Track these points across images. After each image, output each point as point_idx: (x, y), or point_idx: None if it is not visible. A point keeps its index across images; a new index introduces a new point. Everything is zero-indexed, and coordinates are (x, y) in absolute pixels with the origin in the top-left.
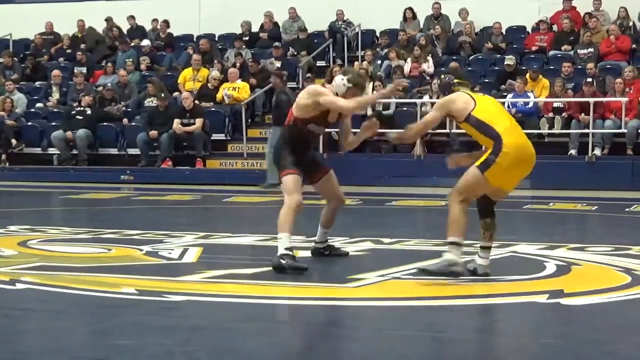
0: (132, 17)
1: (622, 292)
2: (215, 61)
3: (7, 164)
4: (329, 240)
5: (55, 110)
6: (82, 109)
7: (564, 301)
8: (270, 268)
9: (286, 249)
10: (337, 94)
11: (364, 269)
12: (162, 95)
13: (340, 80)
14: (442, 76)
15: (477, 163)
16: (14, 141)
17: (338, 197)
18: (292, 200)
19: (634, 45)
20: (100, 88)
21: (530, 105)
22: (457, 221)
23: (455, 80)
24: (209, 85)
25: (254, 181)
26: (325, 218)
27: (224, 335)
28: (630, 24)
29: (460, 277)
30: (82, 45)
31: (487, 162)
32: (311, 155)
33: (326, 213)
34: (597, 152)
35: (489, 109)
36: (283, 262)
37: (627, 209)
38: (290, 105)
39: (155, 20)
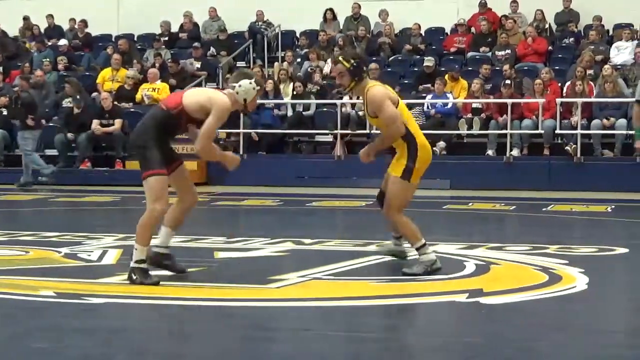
0: (51, 15)
1: (540, 290)
2: (135, 61)
3: None
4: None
5: None
6: None
7: (483, 300)
8: (191, 269)
9: (139, 261)
10: (245, 100)
11: (285, 270)
12: (78, 97)
13: (249, 85)
14: (352, 61)
15: (399, 174)
16: None
17: (193, 193)
18: (157, 208)
19: (550, 47)
20: (16, 88)
21: (449, 106)
22: (411, 230)
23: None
24: (125, 85)
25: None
26: (173, 217)
27: (144, 337)
28: (547, 26)
29: (378, 277)
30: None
31: (409, 170)
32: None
33: (175, 211)
34: (515, 152)
35: (403, 107)
36: (134, 277)
37: (544, 209)
38: (36, 107)
39: (72, 19)
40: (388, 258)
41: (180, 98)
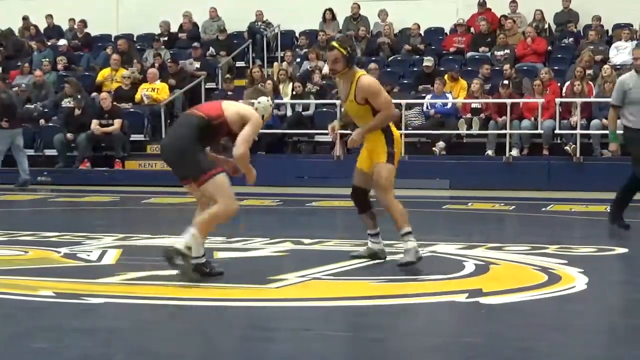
0: (50, 16)
1: (539, 290)
2: (135, 61)
3: None
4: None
5: None
6: None
7: (483, 300)
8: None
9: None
10: (263, 117)
11: (285, 270)
12: (79, 97)
13: (267, 102)
14: (348, 48)
15: (384, 160)
16: None
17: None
18: (234, 206)
19: (549, 47)
20: (15, 89)
21: (449, 106)
22: (401, 212)
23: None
24: (123, 86)
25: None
26: None
27: (143, 337)
28: (546, 26)
29: (378, 277)
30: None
31: (391, 154)
32: None
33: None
34: (514, 152)
35: None
36: (206, 269)
37: (543, 209)
38: (14, 109)
39: (72, 19)
40: (387, 258)
41: (220, 109)
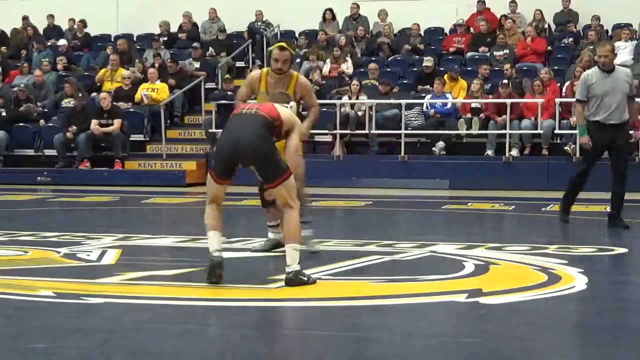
0: (51, 16)
1: (539, 290)
2: (137, 61)
3: None
4: None
5: None
6: None
7: (483, 300)
8: (190, 269)
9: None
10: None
11: (284, 270)
12: (80, 95)
13: (294, 105)
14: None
15: (301, 154)
16: None
17: None
18: (297, 205)
19: (549, 47)
20: (15, 89)
21: (449, 106)
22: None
23: None
24: (123, 86)
25: (173, 182)
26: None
27: (142, 337)
28: (546, 26)
29: (378, 277)
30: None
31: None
32: None
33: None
34: (514, 152)
35: None
36: (305, 278)
37: (543, 209)
38: None
39: (71, 19)
40: (386, 258)
41: (277, 112)
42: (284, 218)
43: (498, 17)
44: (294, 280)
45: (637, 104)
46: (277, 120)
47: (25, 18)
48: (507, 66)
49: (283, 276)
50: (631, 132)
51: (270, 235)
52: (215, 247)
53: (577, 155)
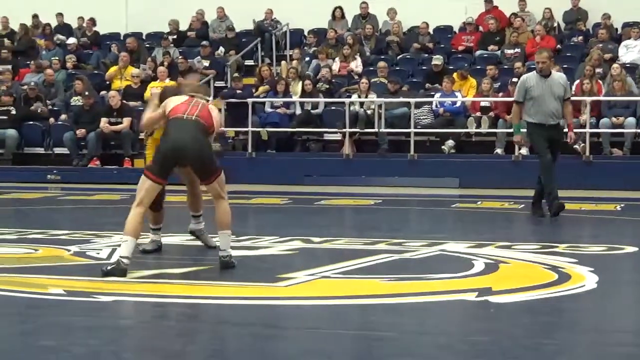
0: (61, 14)
1: (549, 289)
2: (149, 59)
3: None
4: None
5: None
6: (5, 108)
7: (492, 299)
8: (199, 268)
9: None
10: None
11: (294, 268)
12: (87, 93)
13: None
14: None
15: None
16: None
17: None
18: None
19: (558, 46)
20: (24, 87)
21: (458, 104)
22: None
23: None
24: (132, 84)
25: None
26: None
27: (152, 335)
28: (555, 24)
29: (388, 276)
30: (9, 43)
31: None
32: None
33: None
34: (524, 151)
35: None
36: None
37: None
38: None
39: (81, 18)
40: (396, 257)
41: (211, 118)
42: (217, 208)
43: (507, 15)
44: (229, 262)
45: (571, 106)
46: (211, 127)
47: (35, 16)
48: (518, 64)
49: (294, 274)
50: (565, 130)
51: (154, 236)
52: (127, 254)
53: (587, 153)
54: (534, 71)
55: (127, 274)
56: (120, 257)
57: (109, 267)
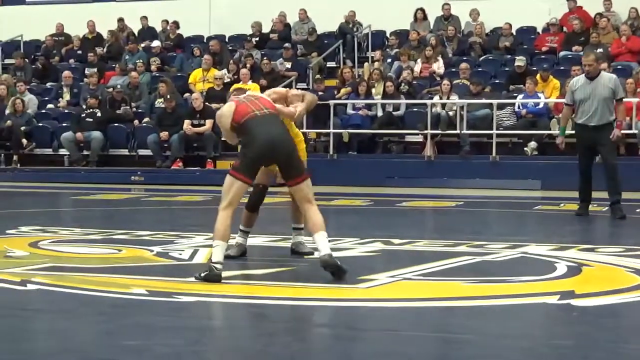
0: (145, 17)
1: (633, 293)
2: (231, 62)
3: (18, 165)
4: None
5: (66, 111)
6: (91, 110)
7: (575, 302)
8: (280, 269)
9: None
10: None
11: (375, 270)
12: (168, 97)
13: None
14: None
15: None
16: (24, 141)
17: None
18: None
19: None
20: (110, 89)
21: (541, 105)
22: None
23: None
24: (215, 86)
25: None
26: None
27: (233, 336)
28: None
29: (469, 278)
30: (100, 50)
31: None
32: None
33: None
34: None
35: None
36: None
37: (638, 210)
38: None
39: (165, 21)
40: (477, 259)
41: (273, 104)
42: (309, 212)
43: (591, 15)
44: (330, 261)
45: (623, 106)
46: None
47: (120, 20)
48: (603, 65)
49: (375, 276)
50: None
51: (240, 239)
52: (220, 259)
53: None
54: (583, 74)
55: (221, 279)
56: (212, 262)
57: (202, 274)
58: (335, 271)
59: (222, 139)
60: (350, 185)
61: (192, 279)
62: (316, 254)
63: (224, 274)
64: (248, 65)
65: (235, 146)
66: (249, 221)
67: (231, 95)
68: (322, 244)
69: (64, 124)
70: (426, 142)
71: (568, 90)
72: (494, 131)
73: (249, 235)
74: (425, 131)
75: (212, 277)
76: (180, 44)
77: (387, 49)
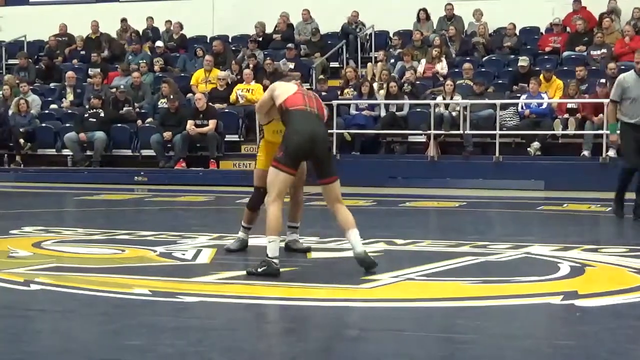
0: (151, 18)
1: (636, 293)
2: (234, 62)
3: (22, 165)
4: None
5: (69, 111)
6: (94, 111)
7: (578, 302)
8: (284, 269)
9: None
10: None
11: (378, 270)
12: (171, 97)
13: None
14: None
15: None
16: (21, 141)
17: None
18: None
19: None
20: (113, 90)
21: (544, 106)
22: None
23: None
24: (218, 86)
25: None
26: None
27: (236, 336)
28: None
29: (472, 278)
30: (103, 52)
31: None
32: None
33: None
34: (611, 153)
35: None
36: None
37: None
38: None
39: (168, 21)
40: (480, 259)
41: (323, 111)
42: (340, 211)
43: (595, 15)
44: (367, 259)
45: None
46: (323, 119)
47: (123, 20)
48: (611, 65)
49: (378, 276)
50: None
51: (242, 234)
52: (276, 254)
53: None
54: (632, 70)
55: (280, 274)
56: (270, 258)
57: (259, 269)
58: (370, 267)
59: (226, 138)
60: (354, 186)
61: (196, 279)
62: (351, 252)
63: (227, 274)
64: (251, 66)
65: (238, 147)
66: (250, 219)
67: (282, 79)
68: (355, 241)
69: (67, 125)
70: (429, 142)
71: (616, 87)
72: (497, 131)
73: (249, 235)
74: (429, 131)
75: (271, 271)
76: (183, 45)
77: (390, 49)
